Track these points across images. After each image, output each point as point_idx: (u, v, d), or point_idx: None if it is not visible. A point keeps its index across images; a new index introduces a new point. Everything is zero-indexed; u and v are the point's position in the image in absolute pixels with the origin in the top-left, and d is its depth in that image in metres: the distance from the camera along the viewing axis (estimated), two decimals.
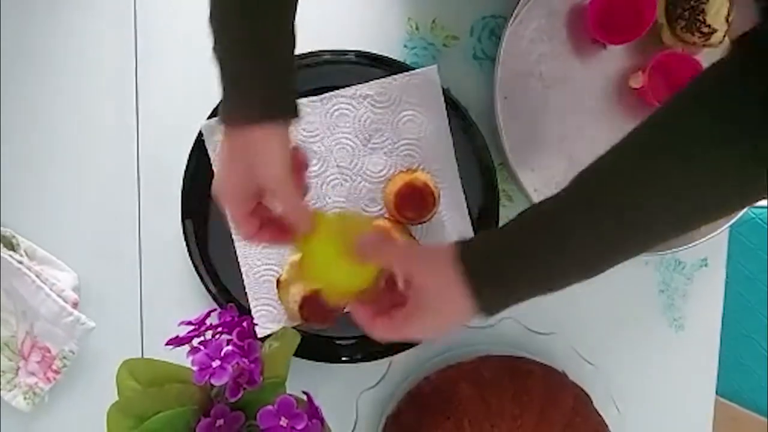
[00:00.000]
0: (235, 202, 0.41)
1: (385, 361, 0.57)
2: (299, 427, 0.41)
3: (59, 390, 0.56)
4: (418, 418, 0.55)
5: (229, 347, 0.42)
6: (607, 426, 0.56)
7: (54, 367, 0.55)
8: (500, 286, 0.39)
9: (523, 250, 0.38)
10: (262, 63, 0.39)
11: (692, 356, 0.62)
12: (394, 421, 0.56)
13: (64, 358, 0.55)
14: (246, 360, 0.42)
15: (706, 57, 0.57)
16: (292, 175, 0.41)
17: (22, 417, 0.56)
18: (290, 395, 0.43)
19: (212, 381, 0.40)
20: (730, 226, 0.59)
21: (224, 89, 0.40)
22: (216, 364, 0.41)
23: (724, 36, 0.55)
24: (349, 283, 0.41)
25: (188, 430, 0.42)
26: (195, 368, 0.41)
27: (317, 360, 0.56)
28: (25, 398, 0.56)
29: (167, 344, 0.44)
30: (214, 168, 0.51)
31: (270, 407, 0.42)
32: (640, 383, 0.61)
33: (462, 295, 0.38)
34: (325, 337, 0.56)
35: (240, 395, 0.42)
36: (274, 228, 0.43)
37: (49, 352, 0.55)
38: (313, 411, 0.43)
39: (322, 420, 0.44)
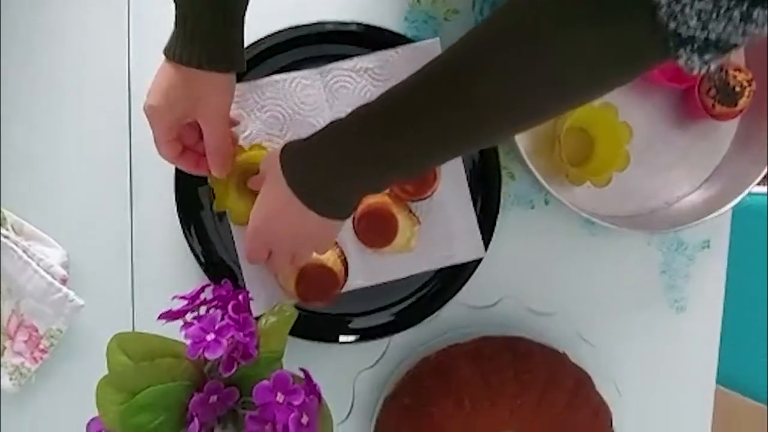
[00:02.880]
0: (164, 125, 0.45)
1: (383, 341, 0.56)
2: (296, 403, 0.40)
3: (47, 370, 0.54)
4: (418, 399, 0.53)
5: (224, 321, 0.40)
6: (608, 406, 0.55)
7: (41, 346, 0.54)
8: (313, 175, 0.41)
9: (327, 144, 0.41)
10: (215, 12, 0.42)
11: (693, 338, 0.61)
12: (392, 403, 0.55)
13: (52, 337, 0.53)
14: (241, 334, 0.40)
15: None
16: (228, 117, 0.47)
17: (8, 399, 0.54)
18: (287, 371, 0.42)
19: (206, 355, 0.39)
20: (733, 207, 0.58)
21: (176, 24, 0.43)
22: (210, 337, 0.40)
23: None
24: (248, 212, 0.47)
25: (181, 405, 0.41)
26: (188, 342, 0.39)
27: (313, 339, 0.55)
28: (11, 379, 0.54)
29: (160, 318, 0.42)
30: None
31: (265, 382, 0.40)
32: (641, 364, 0.61)
33: (285, 187, 0.42)
34: (322, 316, 0.55)
35: (234, 370, 0.41)
36: (195, 156, 0.48)
37: (36, 331, 0.53)
38: (310, 387, 0.42)
39: (319, 396, 0.42)
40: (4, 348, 0.54)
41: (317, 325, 0.55)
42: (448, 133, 0.37)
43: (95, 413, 0.41)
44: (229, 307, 0.41)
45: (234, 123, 0.51)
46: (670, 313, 0.61)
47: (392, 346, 0.57)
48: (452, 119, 0.36)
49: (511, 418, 0.53)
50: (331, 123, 0.41)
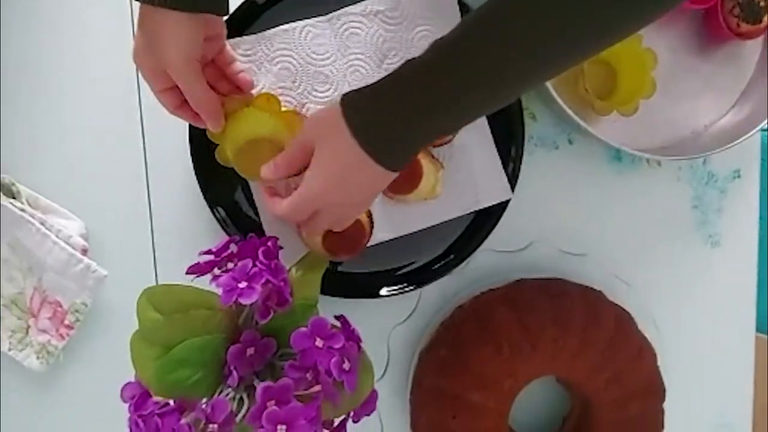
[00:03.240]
0: (146, 73, 0.42)
1: (414, 294, 0.54)
2: (336, 347, 0.38)
3: (74, 347, 0.53)
4: (454, 348, 0.52)
5: (256, 268, 0.39)
6: (650, 343, 0.54)
7: (66, 322, 0.52)
8: (380, 120, 0.38)
9: (402, 85, 0.38)
10: None
11: (730, 272, 0.60)
12: (428, 355, 0.53)
13: (77, 311, 0.52)
14: (275, 279, 0.39)
15: None
16: (196, 66, 0.41)
17: (36, 378, 0.53)
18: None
19: (240, 300, 0.37)
20: (762, 130, 0.57)
21: None
22: (243, 285, 0.38)
23: None
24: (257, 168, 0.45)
25: (218, 360, 0.40)
26: (221, 290, 0.38)
27: (343, 296, 0.53)
28: (38, 358, 0.53)
29: (188, 272, 0.41)
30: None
31: (303, 329, 0.39)
32: (678, 302, 0.59)
33: (351, 145, 0.39)
34: (351, 273, 0.54)
35: (270, 317, 0.39)
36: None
37: (61, 306, 0.52)
38: (348, 333, 0.41)
39: (359, 343, 0.41)
40: (29, 327, 0.53)
41: (347, 282, 0.53)
42: (538, 49, 0.35)
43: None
44: (260, 253, 0.40)
45: (247, 83, 0.47)
46: (705, 249, 0.60)
47: (424, 298, 0.55)
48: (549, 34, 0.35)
49: (553, 362, 0.52)
50: (405, 64, 0.38)
